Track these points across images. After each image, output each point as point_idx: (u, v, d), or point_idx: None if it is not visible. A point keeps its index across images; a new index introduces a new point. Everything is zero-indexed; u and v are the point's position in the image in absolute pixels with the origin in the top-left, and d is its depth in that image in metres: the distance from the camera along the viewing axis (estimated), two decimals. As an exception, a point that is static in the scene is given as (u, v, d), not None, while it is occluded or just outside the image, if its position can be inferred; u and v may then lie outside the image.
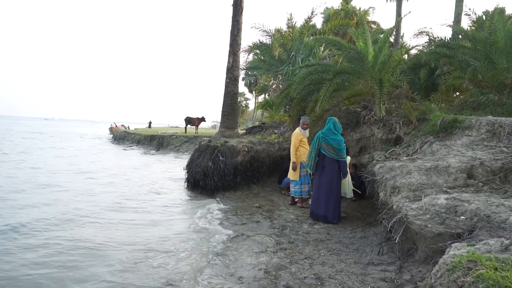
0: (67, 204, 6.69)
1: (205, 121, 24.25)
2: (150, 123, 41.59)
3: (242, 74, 43.88)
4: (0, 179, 9.03)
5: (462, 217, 3.34)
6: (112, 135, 33.00)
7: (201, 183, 7.96)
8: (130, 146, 23.79)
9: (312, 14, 11.75)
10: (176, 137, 21.70)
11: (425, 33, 11.01)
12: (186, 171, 8.53)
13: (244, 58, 11.39)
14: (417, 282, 3.18)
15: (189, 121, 23.81)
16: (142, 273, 3.73)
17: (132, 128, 39.95)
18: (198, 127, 24.42)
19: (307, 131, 6.79)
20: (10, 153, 15.35)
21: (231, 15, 9.86)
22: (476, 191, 3.94)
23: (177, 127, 39.00)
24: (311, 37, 12.12)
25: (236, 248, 4.45)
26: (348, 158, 6.08)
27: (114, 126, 37.42)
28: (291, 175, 6.70)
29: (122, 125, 39.59)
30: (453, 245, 2.37)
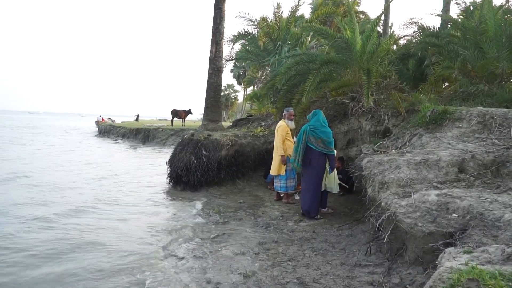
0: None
1: (192, 113, 23.81)
2: (137, 116, 40.82)
3: (230, 65, 43.27)
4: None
5: (454, 214, 3.12)
6: (97, 129, 32.31)
7: (183, 178, 7.63)
8: (115, 140, 23.23)
9: (298, 2, 11.42)
10: (162, 130, 21.25)
11: (414, 23, 10.81)
12: (168, 166, 8.19)
13: (228, 49, 11.05)
14: (407, 286, 2.95)
15: (175, 113, 23.36)
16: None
17: (118, 121, 39.14)
18: (185, 119, 23.99)
19: (293, 123, 6.53)
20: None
21: (213, 2, 9.45)
22: (467, 186, 3.72)
23: (166, 119, 38.35)
24: (299, 28, 11.80)
25: (215, 249, 4.18)
26: (335, 152, 5.83)
27: (101, 120, 36.59)
28: (276, 170, 6.42)
29: (109, 118, 38.75)
30: (447, 250, 2.13)
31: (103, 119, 36.72)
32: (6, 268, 3.64)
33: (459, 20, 8.95)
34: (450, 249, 2.16)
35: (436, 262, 2.19)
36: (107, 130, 28.03)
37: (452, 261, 1.87)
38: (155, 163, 12.11)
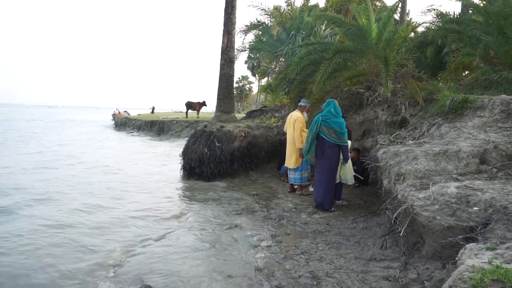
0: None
1: (206, 105, 23.79)
2: (153, 108, 41.15)
3: (244, 56, 42.92)
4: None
5: (475, 208, 2.97)
6: (114, 121, 32.77)
7: (197, 170, 7.63)
8: (131, 133, 23.51)
9: (312, -10, 11.13)
10: (176, 122, 21.34)
11: (432, 10, 10.40)
12: (181, 158, 8.20)
13: (241, 39, 10.90)
14: (424, 282, 2.84)
15: (190, 105, 23.39)
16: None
17: (134, 114, 39.52)
18: (200, 111, 24.02)
19: (306, 114, 6.43)
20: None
21: (225, -9, 9.30)
22: (490, 178, 3.55)
23: (181, 112, 38.55)
24: (313, 17, 11.55)
25: (228, 241, 4.14)
26: (349, 143, 5.69)
27: (117, 113, 37.01)
28: (293, 163, 6.31)
29: (125, 111, 39.15)
30: (467, 246, 2.01)
31: (119, 112, 37.14)
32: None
33: (482, 4, 8.54)
34: (471, 244, 2.04)
35: (456, 258, 2.08)
36: (123, 122, 28.38)
37: (474, 258, 1.76)
38: (171, 154, 12.19)
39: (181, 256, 3.74)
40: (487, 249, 1.87)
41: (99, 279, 3.22)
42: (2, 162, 9.72)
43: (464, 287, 1.45)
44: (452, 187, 3.27)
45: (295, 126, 6.21)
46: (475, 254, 1.80)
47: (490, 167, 3.72)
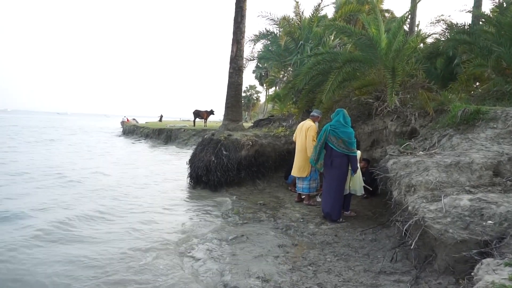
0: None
1: (213, 114, 23.88)
2: (161, 116, 41.44)
3: (252, 66, 43.13)
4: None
5: (490, 221, 2.88)
6: (122, 129, 33.03)
7: (203, 178, 7.59)
8: (138, 140, 23.64)
9: (322, 1, 11.19)
10: (184, 130, 21.41)
11: (442, 21, 10.35)
12: (188, 166, 8.18)
13: (250, 48, 10.94)
14: (437, 297, 2.74)
15: (197, 114, 23.49)
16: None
17: (142, 121, 39.84)
18: (207, 120, 24.10)
19: (317, 125, 6.40)
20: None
21: (235, 1, 9.38)
22: (504, 190, 3.45)
23: (189, 120, 38.78)
24: (322, 27, 11.58)
25: (233, 252, 4.07)
26: (359, 153, 5.62)
27: (126, 120, 37.35)
28: (300, 171, 6.25)
29: (133, 119, 39.49)
30: (484, 261, 1.93)
31: (128, 120, 37.48)
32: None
33: (493, 15, 8.48)
34: (488, 260, 1.95)
35: (472, 273, 2.00)
36: (131, 130, 28.58)
37: (493, 274, 1.68)
38: (177, 163, 12.19)
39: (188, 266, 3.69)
40: (506, 264, 1.79)
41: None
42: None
43: (484, 304, 1.39)
44: (465, 200, 3.18)
45: (307, 134, 6.15)
46: (493, 270, 1.72)
47: (504, 180, 3.62)
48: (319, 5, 11.13)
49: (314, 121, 6.37)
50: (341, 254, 3.93)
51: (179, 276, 3.45)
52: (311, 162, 5.71)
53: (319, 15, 11.79)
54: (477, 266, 1.97)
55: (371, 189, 6.07)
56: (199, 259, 3.87)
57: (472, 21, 9.94)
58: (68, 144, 18.96)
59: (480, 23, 8.96)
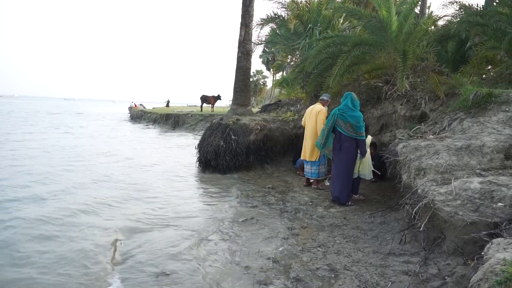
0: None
1: (221, 99, 23.87)
2: (168, 102, 41.52)
3: (259, 51, 42.66)
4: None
5: (500, 204, 2.90)
6: (130, 114, 33.23)
7: (212, 162, 7.68)
8: (147, 126, 23.79)
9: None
10: (191, 115, 21.47)
11: (454, 2, 10.10)
12: (197, 150, 8.25)
13: (257, 32, 10.80)
14: (446, 277, 2.79)
15: (204, 99, 23.49)
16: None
17: (149, 107, 39.99)
18: (214, 105, 24.10)
19: (327, 109, 6.38)
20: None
21: (243, -16, 9.22)
22: (515, 174, 3.45)
23: (196, 105, 38.84)
24: (331, 10, 11.38)
25: (244, 233, 4.15)
26: (369, 137, 5.62)
27: (134, 106, 37.52)
28: (311, 155, 6.26)
29: (141, 104, 39.63)
30: (494, 240, 1.96)
31: (135, 105, 37.65)
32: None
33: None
34: (499, 239, 1.98)
35: (482, 253, 2.03)
36: (138, 115, 28.76)
37: (504, 252, 1.71)
38: (186, 146, 12.30)
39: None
40: (516, 244, 1.82)
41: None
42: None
43: (496, 279, 1.42)
44: (475, 183, 3.20)
45: (318, 118, 6.13)
46: (504, 248, 1.76)
47: (515, 163, 3.62)
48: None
49: (323, 105, 6.35)
50: (350, 236, 3.99)
51: (192, 255, 3.55)
52: (317, 146, 5.73)
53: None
54: (488, 245, 2.00)
55: (379, 173, 6.08)
56: (211, 240, 3.96)
57: (486, 2, 9.67)
58: (95, 131, 18.95)
59: (494, 4, 8.73)
